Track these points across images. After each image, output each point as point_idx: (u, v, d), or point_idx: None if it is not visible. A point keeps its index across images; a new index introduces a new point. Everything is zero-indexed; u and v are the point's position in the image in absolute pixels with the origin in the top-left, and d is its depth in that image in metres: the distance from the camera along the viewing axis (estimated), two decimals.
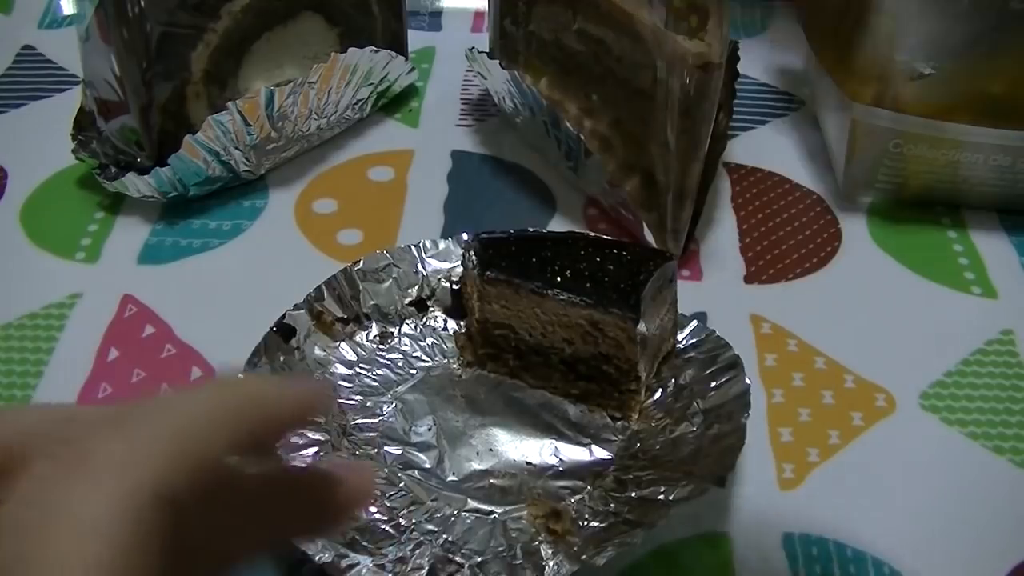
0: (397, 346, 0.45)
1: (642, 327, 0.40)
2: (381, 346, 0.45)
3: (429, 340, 0.45)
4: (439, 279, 0.47)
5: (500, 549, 0.37)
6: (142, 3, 0.47)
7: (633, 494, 0.38)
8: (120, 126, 0.51)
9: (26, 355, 0.45)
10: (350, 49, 0.54)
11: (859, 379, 0.45)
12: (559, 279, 0.41)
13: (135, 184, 0.51)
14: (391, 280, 0.46)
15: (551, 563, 0.36)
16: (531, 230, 0.47)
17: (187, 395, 0.21)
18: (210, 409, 0.20)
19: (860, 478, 0.41)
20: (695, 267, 0.51)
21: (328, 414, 0.22)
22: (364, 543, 0.36)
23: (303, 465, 0.23)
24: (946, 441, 0.42)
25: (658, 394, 0.42)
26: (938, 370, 0.45)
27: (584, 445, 0.41)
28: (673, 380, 0.43)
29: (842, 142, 0.52)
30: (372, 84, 0.57)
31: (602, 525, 0.37)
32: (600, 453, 0.41)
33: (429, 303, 0.46)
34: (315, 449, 0.40)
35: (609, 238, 0.44)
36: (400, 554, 0.36)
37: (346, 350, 0.44)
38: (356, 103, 0.57)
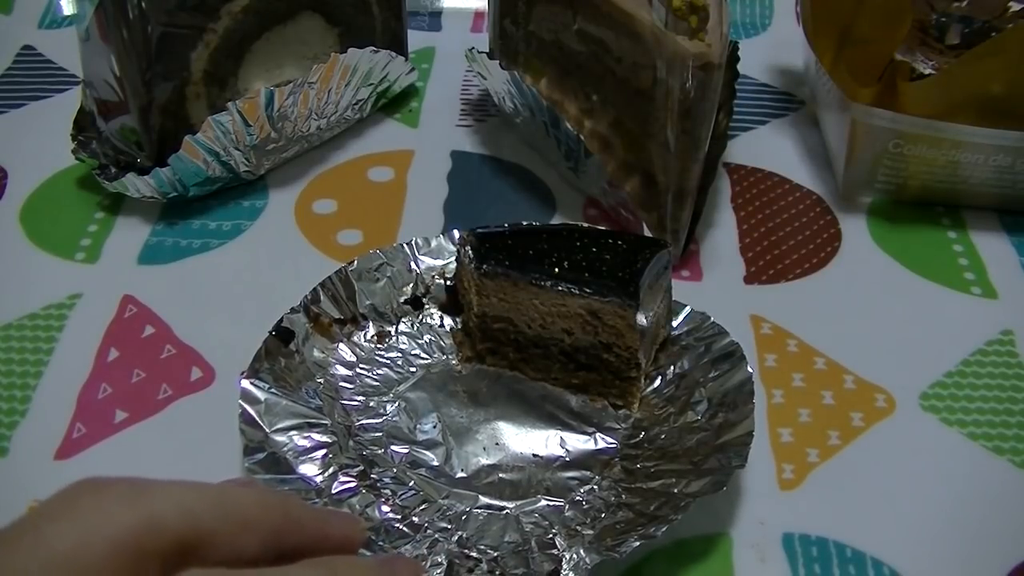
0: (395, 345, 0.45)
1: (640, 314, 0.40)
2: (379, 346, 0.45)
3: (427, 337, 0.45)
4: (432, 276, 0.47)
5: (515, 543, 0.37)
6: (142, 3, 0.47)
7: (644, 485, 0.38)
8: (120, 126, 0.51)
9: (26, 355, 0.45)
10: (350, 49, 0.54)
11: (859, 379, 0.45)
12: (557, 270, 0.41)
13: (135, 184, 0.51)
14: (385, 279, 0.46)
15: (567, 555, 0.36)
16: (525, 223, 0.47)
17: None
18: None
19: (860, 478, 0.41)
20: (695, 267, 0.51)
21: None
22: (380, 543, 0.36)
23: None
24: (946, 441, 0.42)
25: (657, 382, 0.43)
26: (938, 370, 0.45)
27: (589, 434, 0.41)
28: (672, 368, 0.43)
29: (842, 142, 0.52)
30: (372, 84, 0.57)
31: (616, 517, 0.37)
32: (605, 442, 0.41)
33: (424, 300, 0.46)
34: (323, 452, 0.40)
35: (603, 228, 0.44)
36: (417, 552, 0.36)
37: (345, 351, 0.44)
38: (356, 103, 0.57)
